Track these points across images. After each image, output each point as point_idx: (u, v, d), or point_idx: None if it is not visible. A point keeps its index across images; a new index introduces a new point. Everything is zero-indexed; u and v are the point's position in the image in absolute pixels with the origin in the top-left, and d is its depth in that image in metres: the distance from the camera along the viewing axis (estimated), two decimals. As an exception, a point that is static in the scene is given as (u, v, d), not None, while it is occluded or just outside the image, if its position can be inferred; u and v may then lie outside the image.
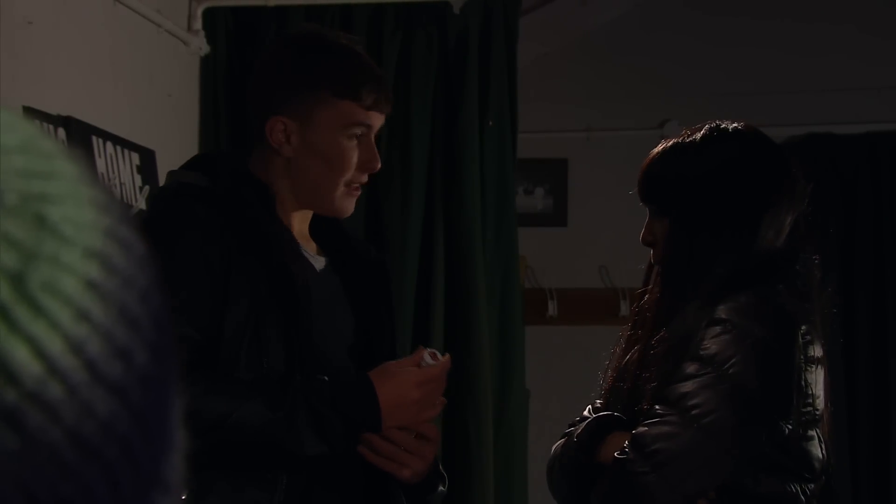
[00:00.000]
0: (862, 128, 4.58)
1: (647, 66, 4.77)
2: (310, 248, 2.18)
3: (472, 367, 3.73)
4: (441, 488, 2.16)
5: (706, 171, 2.13)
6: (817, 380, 2.07)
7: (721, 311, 2.02)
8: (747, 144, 2.17)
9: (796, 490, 2.06)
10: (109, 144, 3.17)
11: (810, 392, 2.06)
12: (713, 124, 2.19)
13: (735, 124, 2.19)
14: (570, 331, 4.71)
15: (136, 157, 3.30)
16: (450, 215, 3.84)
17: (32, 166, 0.45)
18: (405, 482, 2.08)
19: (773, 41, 4.71)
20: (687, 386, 2.00)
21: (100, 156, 3.11)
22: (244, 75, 3.46)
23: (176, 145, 3.54)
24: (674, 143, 2.19)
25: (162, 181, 2.35)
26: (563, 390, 4.15)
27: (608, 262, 4.71)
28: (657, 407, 2.01)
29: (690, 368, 2.01)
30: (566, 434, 2.17)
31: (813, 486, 2.09)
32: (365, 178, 2.16)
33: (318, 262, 2.17)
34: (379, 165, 2.17)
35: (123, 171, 3.22)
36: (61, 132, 2.92)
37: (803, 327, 2.05)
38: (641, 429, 2.01)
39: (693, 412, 1.98)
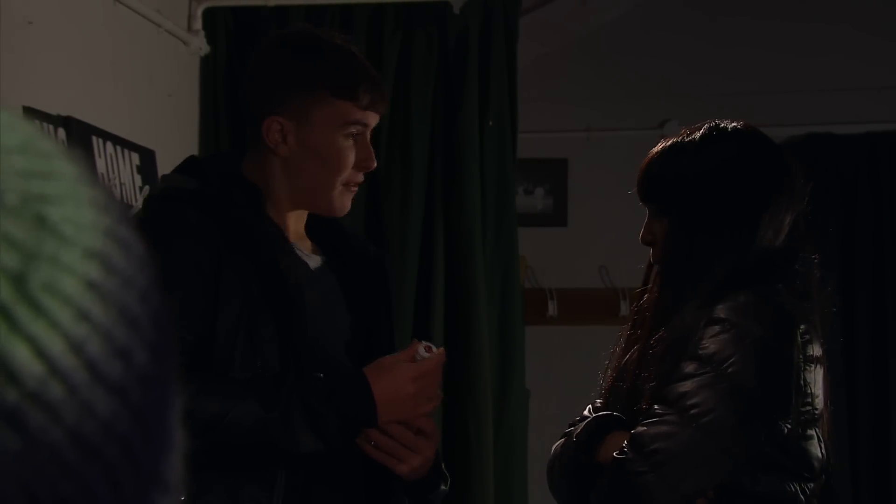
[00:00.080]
0: (862, 128, 4.58)
1: (647, 66, 4.77)
2: (304, 247, 2.18)
3: (472, 367, 3.73)
4: (443, 487, 2.16)
5: (705, 170, 2.13)
6: (816, 379, 2.07)
7: (720, 311, 2.02)
8: (746, 144, 2.16)
9: (795, 489, 2.06)
10: (109, 144, 3.16)
11: (809, 391, 2.06)
12: (712, 124, 2.19)
13: (734, 124, 2.19)
14: (570, 331, 4.71)
15: (136, 158, 3.30)
16: (450, 215, 3.83)
17: (32, 167, 0.45)
18: (403, 477, 2.08)
19: (773, 41, 4.71)
20: (686, 385, 2.00)
21: (100, 156, 3.11)
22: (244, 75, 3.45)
23: (176, 145, 3.54)
24: (673, 142, 2.19)
25: (162, 181, 2.36)
26: (563, 390, 4.14)
27: (608, 262, 4.71)
28: (656, 406, 2.01)
29: (689, 368, 2.01)
30: (566, 434, 2.17)
31: (812, 485, 2.09)
32: (361, 178, 2.16)
33: (313, 261, 2.17)
34: (375, 164, 2.17)
35: (123, 171, 3.22)
36: (61, 132, 2.92)
37: (802, 327, 2.05)
38: (640, 428, 2.01)
39: (692, 411, 1.98)
